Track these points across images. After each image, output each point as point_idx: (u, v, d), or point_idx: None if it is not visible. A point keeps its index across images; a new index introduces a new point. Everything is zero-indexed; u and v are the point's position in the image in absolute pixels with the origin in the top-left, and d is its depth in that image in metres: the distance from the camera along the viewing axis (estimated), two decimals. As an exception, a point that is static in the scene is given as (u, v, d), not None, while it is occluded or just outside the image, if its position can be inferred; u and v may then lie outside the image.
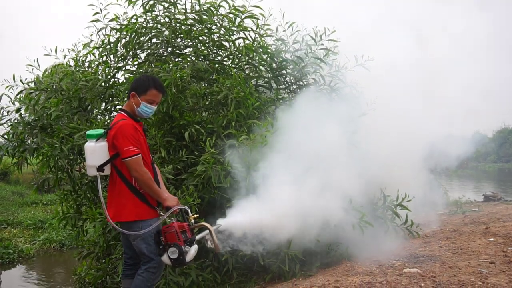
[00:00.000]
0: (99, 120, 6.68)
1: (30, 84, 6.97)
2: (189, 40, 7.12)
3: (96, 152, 3.86)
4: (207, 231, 4.08)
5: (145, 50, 7.31)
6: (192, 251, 3.85)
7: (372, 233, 5.59)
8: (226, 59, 7.40)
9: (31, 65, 6.95)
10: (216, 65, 7.07)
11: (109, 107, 7.29)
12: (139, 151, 3.80)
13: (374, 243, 5.63)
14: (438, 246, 5.91)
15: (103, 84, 6.96)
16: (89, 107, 7.03)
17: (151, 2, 7.00)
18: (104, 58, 7.34)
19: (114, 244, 6.09)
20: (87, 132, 3.97)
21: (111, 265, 6.28)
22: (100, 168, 3.85)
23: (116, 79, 7.26)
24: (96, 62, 7.37)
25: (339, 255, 5.74)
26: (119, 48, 7.23)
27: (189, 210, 4.04)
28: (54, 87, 6.94)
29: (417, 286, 4.37)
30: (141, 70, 6.82)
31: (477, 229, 6.88)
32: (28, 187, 21.57)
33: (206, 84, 7.16)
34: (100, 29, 7.29)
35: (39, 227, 15.33)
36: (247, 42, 7.11)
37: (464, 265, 5.00)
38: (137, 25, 6.91)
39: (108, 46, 7.23)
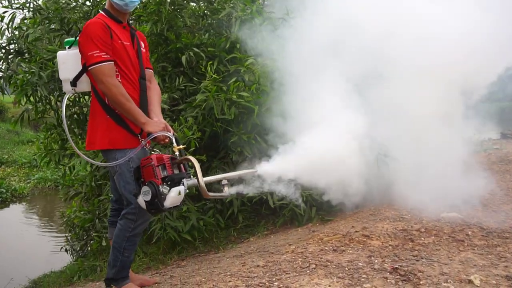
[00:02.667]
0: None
1: (3, 2, 5.91)
2: (186, -49, 6.00)
3: (68, 62, 2.95)
4: (217, 176, 3.20)
5: (136, -37, 6.19)
6: (173, 193, 2.80)
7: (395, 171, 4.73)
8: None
9: (4, -20, 5.88)
10: (218, -20, 5.99)
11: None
12: (108, 57, 2.85)
13: (399, 182, 4.78)
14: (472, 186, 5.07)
15: (88, 3, 5.93)
16: (73, 29, 5.99)
17: None
18: (89, -28, 6.23)
19: (104, 183, 5.26)
20: (64, 40, 3.12)
21: (101, 207, 5.47)
22: (74, 82, 2.94)
23: (103, -3, 6.19)
24: (80, -22, 6.27)
25: (358, 197, 4.90)
26: (105, -39, 6.12)
27: (174, 139, 3.00)
28: (31, 5, 5.89)
29: (463, 235, 3.55)
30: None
31: (511, 168, 6.05)
32: (24, 125, 20.71)
33: (206, 3, 6.12)
34: None
35: (34, 166, 14.59)
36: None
37: (510, 209, 4.18)
38: None
39: (93, -42, 6.11)
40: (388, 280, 2.81)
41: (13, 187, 12.19)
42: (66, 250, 6.02)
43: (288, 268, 3.13)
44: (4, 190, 11.77)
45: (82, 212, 5.62)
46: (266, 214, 5.15)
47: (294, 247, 3.71)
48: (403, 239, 3.51)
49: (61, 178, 6.62)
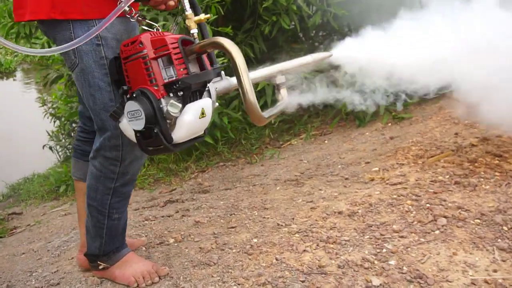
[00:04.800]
0: None
1: None
2: None
3: None
4: (268, 69, 1.66)
5: None
6: (190, 116, 1.31)
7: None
8: None
9: None
10: None
11: None
12: None
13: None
14: None
15: None
16: None
17: None
18: None
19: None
20: None
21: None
22: None
23: None
24: None
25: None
26: None
27: (186, 0, 1.39)
28: None
29: None
30: None
31: None
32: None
33: None
34: None
35: (21, 37, 12.81)
36: None
37: None
38: None
39: None
40: None
41: (-2, 61, 10.65)
42: (50, 148, 4.67)
43: (398, 224, 1.79)
44: (-11, 65, 10.25)
45: (66, 103, 4.21)
46: (307, 108, 3.75)
47: (378, 169, 2.37)
48: (560, 163, 2.15)
49: (41, 57, 5.13)
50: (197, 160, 3.41)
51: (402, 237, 1.69)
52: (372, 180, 2.25)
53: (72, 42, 1.32)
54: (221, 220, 2.10)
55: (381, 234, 1.72)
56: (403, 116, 3.18)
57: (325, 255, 1.64)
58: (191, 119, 1.31)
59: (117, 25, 1.43)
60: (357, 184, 2.26)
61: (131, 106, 1.30)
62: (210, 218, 2.15)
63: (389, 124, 3.14)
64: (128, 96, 1.35)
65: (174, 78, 1.31)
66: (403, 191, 2.04)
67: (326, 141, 3.18)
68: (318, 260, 1.61)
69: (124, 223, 1.70)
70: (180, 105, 1.29)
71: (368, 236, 1.72)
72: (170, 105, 1.28)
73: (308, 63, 1.89)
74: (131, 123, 1.31)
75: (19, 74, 10.85)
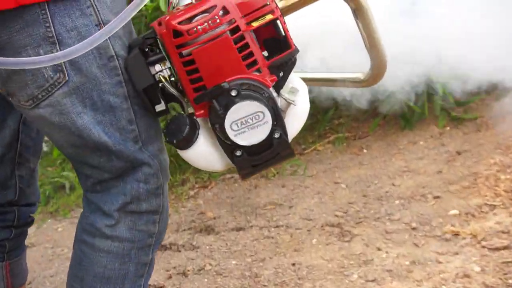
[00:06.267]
0: None
1: None
2: None
3: None
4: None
5: None
6: (307, 102, 0.90)
7: None
8: None
9: None
10: None
11: None
12: None
13: None
14: None
15: None
16: None
17: None
18: None
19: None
20: None
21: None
22: None
23: None
24: None
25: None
26: None
27: None
28: None
29: None
30: None
31: None
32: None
33: None
34: None
35: None
36: None
37: None
38: None
39: None
40: None
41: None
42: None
43: None
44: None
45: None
46: (335, 102, 2.94)
47: (459, 213, 1.60)
48: None
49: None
50: (197, 170, 2.65)
51: None
52: (457, 235, 1.49)
53: (81, 43, 0.73)
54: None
55: None
56: (463, 117, 2.39)
57: None
58: (308, 106, 0.92)
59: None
60: (434, 241, 1.49)
61: (245, 109, 0.82)
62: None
63: (447, 128, 2.36)
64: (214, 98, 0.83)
65: (279, 55, 0.85)
66: (517, 267, 1.28)
67: (364, 150, 2.40)
68: None
69: None
70: (299, 89, 0.88)
71: None
72: (289, 92, 0.86)
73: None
74: (239, 137, 0.83)
75: None
